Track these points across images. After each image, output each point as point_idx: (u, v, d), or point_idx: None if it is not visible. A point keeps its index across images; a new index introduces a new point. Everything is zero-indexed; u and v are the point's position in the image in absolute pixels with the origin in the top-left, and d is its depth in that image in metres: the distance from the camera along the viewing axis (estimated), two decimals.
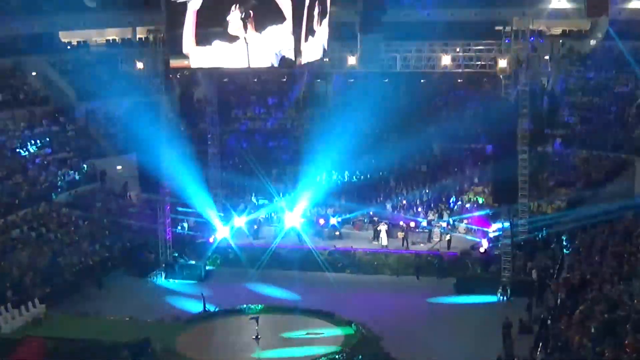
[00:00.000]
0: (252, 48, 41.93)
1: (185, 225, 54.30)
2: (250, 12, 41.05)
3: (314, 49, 44.24)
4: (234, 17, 41.51)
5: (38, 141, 58.68)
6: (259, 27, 41.33)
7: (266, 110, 68.06)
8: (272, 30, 41.35)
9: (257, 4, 41.06)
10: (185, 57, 43.77)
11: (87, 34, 69.01)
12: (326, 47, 46.04)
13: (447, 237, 50.66)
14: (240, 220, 54.02)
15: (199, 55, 43.37)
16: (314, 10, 42.88)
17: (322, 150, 60.25)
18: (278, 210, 55.64)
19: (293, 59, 41.82)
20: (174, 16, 43.04)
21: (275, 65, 42.78)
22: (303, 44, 42.13)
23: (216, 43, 42.35)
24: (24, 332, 39.62)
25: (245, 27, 41.53)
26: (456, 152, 60.13)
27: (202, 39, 42.55)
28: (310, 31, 42.90)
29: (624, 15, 60.66)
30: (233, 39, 41.99)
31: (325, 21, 44.96)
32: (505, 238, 46.17)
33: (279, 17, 41.01)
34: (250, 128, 66.37)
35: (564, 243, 47.37)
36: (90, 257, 49.46)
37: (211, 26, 42.23)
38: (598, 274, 38.86)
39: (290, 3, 40.81)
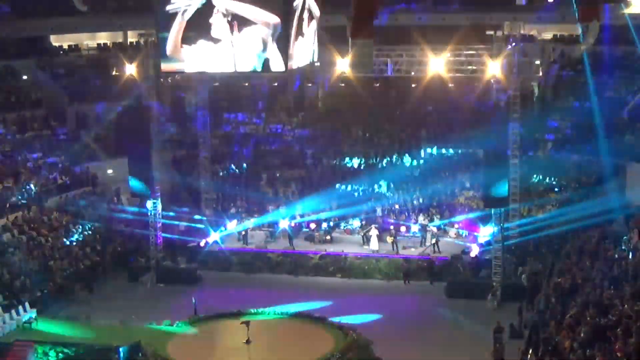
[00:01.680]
0: (237, 51, 42.03)
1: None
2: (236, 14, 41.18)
3: (303, 53, 44.28)
4: (217, 19, 41.60)
5: (29, 145, 58.59)
6: (244, 27, 41.48)
7: (257, 115, 68.05)
8: (257, 31, 41.48)
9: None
10: (177, 60, 43.85)
11: (79, 37, 69.00)
12: (316, 52, 46.08)
13: (434, 240, 50.57)
14: (232, 224, 54.03)
15: (187, 59, 43.44)
16: (303, 13, 43.00)
17: (313, 155, 60.47)
18: (271, 214, 55.67)
19: (283, 63, 41.92)
20: (166, 21, 43.09)
21: (259, 69, 42.92)
22: (292, 47, 42.23)
23: (201, 42, 42.47)
24: (14, 337, 39.51)
25: (231, 30, 41.63)
26: (447, 157, 60.18)
27: (188, 40, 42.72)
28: (300, 34, 43.01)
29: (615, 20, 60.71)
30: (217, 40, 42.15)
31: (314, 24, 45.00)
32: (495, 242, 46.20)
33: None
34: (241, 132, 66.34)
35: (555, 247, 47.51)
36: (81, 261, 49.39)
37: (196, 29, 42.37)
38: (589, 278, 38.98)
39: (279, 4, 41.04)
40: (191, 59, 43.39)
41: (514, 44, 46.06)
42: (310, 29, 44.51)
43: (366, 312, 43.76)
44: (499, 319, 39.62)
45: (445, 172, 58.40)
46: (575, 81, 62.38)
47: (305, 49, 44.32)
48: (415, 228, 52.61)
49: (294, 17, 41.96)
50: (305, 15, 43.25)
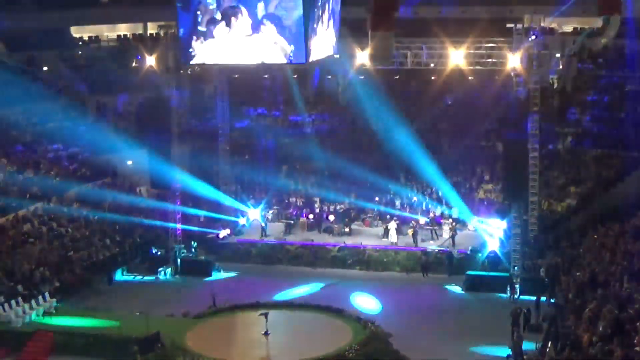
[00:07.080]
0: (265, 45, 41.88)
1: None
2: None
3: (324, 45, 44.23)
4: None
5: (49, 136, 58.81)
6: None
7: (276, 107, 68.02)
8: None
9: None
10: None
11: (99, 29, 69.23)
12: (336, 44, 46.04)
13: (450, 233, 50.59)
14: (254, 213, 54.30)
15: (209, 51, 43.43)
16: (324, 10, 42.97)
17: (333, 146, 60.38)
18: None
19: (303, 55, 41.85)
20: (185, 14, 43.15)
21: (285, 61, 42.85)
22: (312, 42, 42.13)
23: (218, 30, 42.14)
24: (33, 327, 39.73)
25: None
26: (466, 150, 59.99)
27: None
28: (315, 30, 42.89)
29: (636, 13, 60.30)
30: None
31: (336, 19, 44.96)
32: (515, 236, 46.10)
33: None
34: (260, 124, 66.34)
35: (574, 241, 47.35)
36: (101, 252, 49.59)
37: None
38: (608, 272, 38.83)
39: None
40: (215, 53, 43.35)
41: (534, 36, 45.85)
42: (330, 27, 44.46)
43: (384, 304, 43.88)
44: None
45: (465, 165, 58.31)
46: (595, 74, 62.11)
47: (325, 41, 44.28)
48: (434, 221, 52.57)
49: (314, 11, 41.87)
50: (327, 10, 43.21)
